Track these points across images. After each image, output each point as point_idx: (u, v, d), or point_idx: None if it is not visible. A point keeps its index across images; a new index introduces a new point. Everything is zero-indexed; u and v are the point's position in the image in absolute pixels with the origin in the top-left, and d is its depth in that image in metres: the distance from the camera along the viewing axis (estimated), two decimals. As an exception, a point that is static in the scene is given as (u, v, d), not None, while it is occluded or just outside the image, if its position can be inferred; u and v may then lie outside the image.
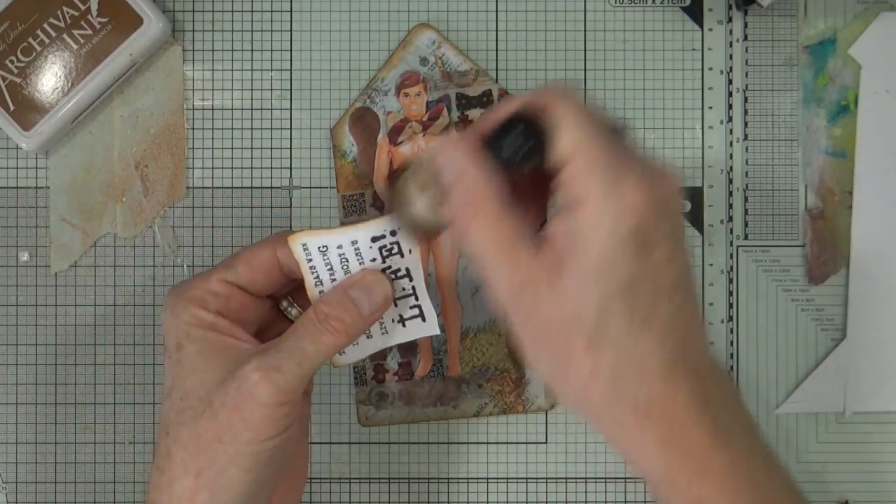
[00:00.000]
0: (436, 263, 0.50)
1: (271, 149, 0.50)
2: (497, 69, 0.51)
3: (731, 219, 0.51)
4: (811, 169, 0.50)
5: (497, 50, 0.51)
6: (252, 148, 0.50)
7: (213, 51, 0.51)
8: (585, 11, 0.51)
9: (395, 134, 0.50)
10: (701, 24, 0.51)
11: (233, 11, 0.51)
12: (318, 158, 0.50)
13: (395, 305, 0.39)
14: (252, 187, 0.50)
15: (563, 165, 0.33)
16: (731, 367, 0.50)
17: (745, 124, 0.51)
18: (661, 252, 0.32)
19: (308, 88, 0.50)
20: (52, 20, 0.48)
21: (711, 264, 0.50)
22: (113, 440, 0.50)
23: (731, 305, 0.51)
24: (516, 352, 0.50)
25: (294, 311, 0.41)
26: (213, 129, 0.50)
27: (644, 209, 0.32)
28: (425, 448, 0.51)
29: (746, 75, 0.51)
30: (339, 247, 0.38)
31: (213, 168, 0.50)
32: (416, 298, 0.39)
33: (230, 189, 0.50)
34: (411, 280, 0.39)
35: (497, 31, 0.51)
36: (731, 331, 0.50)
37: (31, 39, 0.48)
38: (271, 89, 0.50)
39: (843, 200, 0.50)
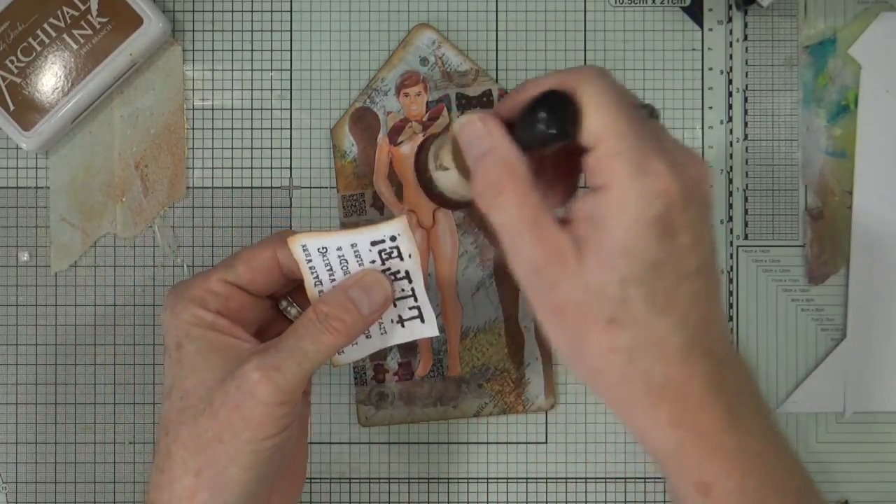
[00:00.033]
0: (436, 263, 0.50)
1: (271, 149, 0.50)
2: (497, 69, 0.51)
3: (731, 219, 0.51)
4: (811, 169, 0.50)
5: (497, 50, 0.51)
6: (252, 148, 0.50)
7: (213, 51, 0.51)
8: (585, 11, 0.51)
9: (395, 134, 0.50)
10: (701, 24, 0.51)
11: (233, 11, 0.51)
12: (318, 158, 0.50)
13: (395, 306, 0.39)
14: (252, 187, 0.50)
15: (591, 147, 0.33)
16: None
17: (745, 124, 0.51)
18: (686, 237, 0.32)
19: (308, 88, 0.50)
20: (52, 20, 0.48)
21: (711, 264, 0.50)
22: (113, 440, 0.50)
23: (731, 305, 0.51)
24: (516, 352, 0.50)
25: (294, 311, 0.41)
26: (213, 129, 0.50)
27: (671, 194, 0.32)
28: (425, 448, 0.51)
29: (746, 75, 0.51)
30: (339, 249, 0.38)
31: (213, 168, 0.50)
32: (416, 300, 0.39)
33: (230, 189, 0.50)
34: (411, 282, 0.39)
35: (497, 31, 0.51)
36: (731, 331, 0.50)
37: (31, 39, 0.48)
38: (271, 89, 0.51)
39: (843, 200, 0.50)
